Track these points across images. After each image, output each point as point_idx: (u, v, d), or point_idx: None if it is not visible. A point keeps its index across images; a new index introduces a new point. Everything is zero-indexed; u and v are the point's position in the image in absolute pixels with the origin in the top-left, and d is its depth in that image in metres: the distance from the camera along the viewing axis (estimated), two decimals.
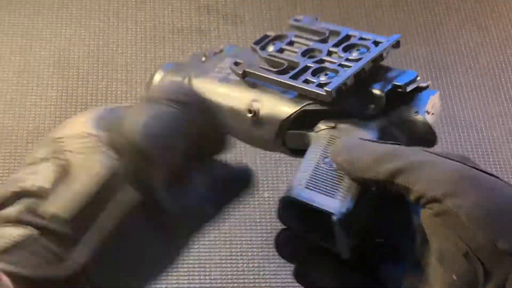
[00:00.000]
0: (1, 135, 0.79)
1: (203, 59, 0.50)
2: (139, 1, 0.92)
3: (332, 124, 0.42)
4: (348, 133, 0.41)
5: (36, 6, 0.90)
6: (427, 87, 0.42)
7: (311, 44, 0.45)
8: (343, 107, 0.41)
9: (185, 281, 0.70)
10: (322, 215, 0.37)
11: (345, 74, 0.41)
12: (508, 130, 0.85)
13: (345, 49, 0.43)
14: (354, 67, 0.41)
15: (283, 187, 0.77)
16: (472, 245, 0.31)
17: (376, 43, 0.43)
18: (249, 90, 0.45)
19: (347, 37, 0.44)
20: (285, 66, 0.43)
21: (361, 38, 0.44)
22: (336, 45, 0.44)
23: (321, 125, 0.42)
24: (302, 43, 0.45)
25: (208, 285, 0.69)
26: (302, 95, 0.42)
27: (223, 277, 0.70)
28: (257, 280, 0.70)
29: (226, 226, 0.73)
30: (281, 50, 0.45)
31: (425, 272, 0.34)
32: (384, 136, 0.41)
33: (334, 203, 0.37)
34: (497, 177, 0.34)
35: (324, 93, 0.40)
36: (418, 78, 0.42)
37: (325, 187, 0.38)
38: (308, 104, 0.42)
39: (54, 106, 0.82)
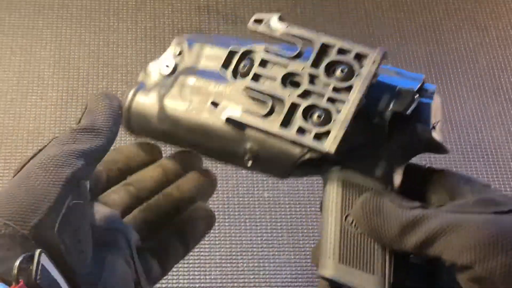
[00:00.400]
0: (2, 135, 0.79)
1: (166, 71, 0.45)
2: (139, 1, 0.92)
3: (339, 166, 0.39)
4: (358, 172, 0.38)
5: (36, 6, 0.90)
6: (430, 93, 0.39)
7: (286, 62, 0.40)
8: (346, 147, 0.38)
9: (185, 281, 0.70)
10: None
11: (343, 121, 0.37)
12: (507, 130, 0.85)
13: (327, 70, 0.38)
14: (349, 108, 0.37)
15: (283, 187, 0.77)
16: None
17: (358, 57, 0.38)
18: (239, 132, 0.41)
19: (324, 49, 0.39)
20: (270, 107, 0.39)
21: (340, 51, 0.39)
22: (314, 64, 0.39)
23: (329, 166, 0.39)
24: (276, 63, 0.40)
25: (208, 285, 0.69)
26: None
27: (223, 276, 0.70)
28: (257, 280, 0.70)
29: (226, 226, 0.73)
30: (256, 77, 0.40)
31: None
32: (393, 163, 0.39)
33: (375, 280, 0.36)
34: None
35: (327, 150, 0.36)
36: (415, 90, 0.38)
37: (360, 259, 0.37)
38: (310, 151, 0.39)
39: (54, 106, 0.82)
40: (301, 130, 0.38)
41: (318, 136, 0.37)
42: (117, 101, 0.40)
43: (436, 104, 0.39)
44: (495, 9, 0.96)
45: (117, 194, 0.43)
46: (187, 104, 0.42)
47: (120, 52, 0.87)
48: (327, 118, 0.37)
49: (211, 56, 0.44)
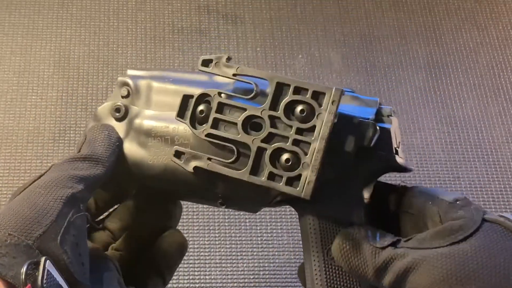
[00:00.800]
0: (2, 135, 0.79)
1: (117, 115, 0.43)
2: (139, 1, 0.92)
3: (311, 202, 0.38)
4: (331, 206, 0.39)
5: (36, 6, 0.90)
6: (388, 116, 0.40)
7: (244, 105, 0.39)
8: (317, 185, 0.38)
9: (185, 281, 0.70)
10: None
11: (313, 166, 0.37)
12: (507, 130, 0.85)
13: (286, 110, 0.38)
14: (317, 152, 0.37)
15: None
16: None
17: (316, 96, 0.38)
18: (208, 180, 0.40)
19: (280, 88, 0.39)
20: (236, 153, 0.39)
21: (296, 89, 0.38)
22: (273, 105, 0.38)
23: (301, 201, 0.39)
24: (234, 106, 0.39)
25: (208, 285, 0.69)
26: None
27: (223, 277, 0.70)
28: (257, 280, 0.70)
29: (226, 226, 0.73)
30: (215, 123, 0.39)
31: None
32: (362, 187, 0.40)
33: None
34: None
35: (302, 196, 0.37)
36: (374, 119, 0.39)
37: None
38: (280, 195, 0.40)
39: (54, 106, 0.82)
40: (271, 176, 0.38)
41: (290, 181, 0.37)
42: (115, 134, 0.42)
43: (394, 126, 0.39)
44: (495, 9, 0.96)
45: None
46: (148, 150, 0.41)
47: (120, 52, 0.87)
48: (295, 161, 0.37)
49: (163, 93, 0.43)
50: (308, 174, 0.37)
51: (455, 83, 0.88)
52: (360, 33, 0.92)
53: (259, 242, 0.72)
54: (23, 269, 0.30)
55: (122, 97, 0.44)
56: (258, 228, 0.74)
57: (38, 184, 0.36)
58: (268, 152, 0.38)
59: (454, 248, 0.34)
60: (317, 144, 0.37)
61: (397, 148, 0.39)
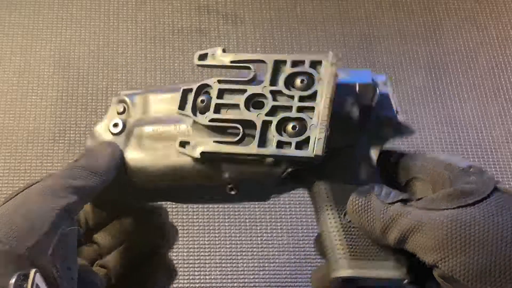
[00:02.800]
0: (2, 135, 0.79)
1: (116, 130, 0.43)
2: (139, 1, 0.92)
3: (322, 179, 0.39)
4: (342, 176, 0.39)
5: (36, 6, 0.90)
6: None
7: (244, 87, 0.39)
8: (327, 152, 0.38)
9: (185, 281, 0.70)
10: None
11: (321, 123, 0.37)
12: (507, 130, 0.85)
13: (287, 84, 0.38)
14: (323, 110, 0.37)
15: None
16: None
17: (313, 65, 0.38)
18: (216, 165, 0.40)
19: (277, 66, 0.39)
20: (241, 133, 0.38)
21: (294, 64, 0.39)
22: (273, 81, 0.39)
23: (311, 178, 0.40)
24: (234, 90, 0.39)
25: (208, 285, 0.69)
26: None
27: (223, 276, 0.70)
28: (257, 280, 0.70)
29: (226, 226, 0.73)
30: (217, 109, 0.39)
31: None
32: (367, 152, 0.40)
33: (391, 265, 0.37)
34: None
35: (313, 155, 0.36)
36: (372, 79, 0.40)
37: (369, 250, 0.38)
38: (291, 165, 0.39)
39: (54, 106, 0.82)
40: (280, 144, 0.38)
41: (299, 145, 0.37)
42: (119, 152, 0.41)
43: (391, 92, 0.41)
44: (495, 9, 0.96)
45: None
46: (151, 153, 0.41)
47: (120, 52, 0.87)
48: (301, 126, 0.37)
49: (159, 102, 0.43)
50: (317, 133, 0.36)
51: (455, 83, 0.88)
52: (360, 33, 0.92)
53: (259, 242, 0.72)
54: (12, 281, 0.29)
55: (119, 113, 0.44)
56: (258, 228, 0.74)
57: (33, 191, 0.35)
58: (274, 123, 0.38)
59: (461, 211, 0.33)
60: (322, 105, 0.37)
61: (397, 110, 0.40)
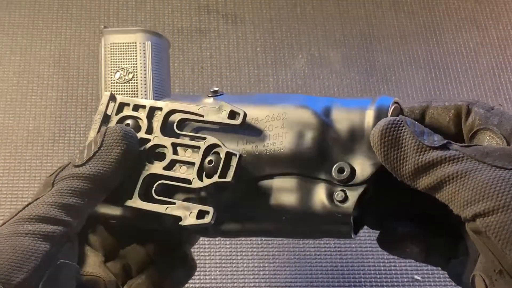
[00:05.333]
0: (1, 135, 0.79)
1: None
2: (139, 1, 0.92)
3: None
4: None
5: (36, 6, 0.90)
6: None
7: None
8: None
9: None
10: None
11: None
12: None
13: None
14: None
15: None
16: (505, 264, 0.30)
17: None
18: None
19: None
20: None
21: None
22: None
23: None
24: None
25: (208, 285, 0.69)
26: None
27: (223, 277, 0.70)
28: (257, 280, 0.70)
29: None
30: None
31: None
32: None
33: None
34: None
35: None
36: None
37: None
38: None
39: (54, 106, 0.82)
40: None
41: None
42: (135, 143, 0.39)
43: None
44: (495, 9, 0.96)
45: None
46: None
47: None
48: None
49: None
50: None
51: (455, 83, 0.88)
52: (360, 33, 0.92)
53: (259, 242, 0.72)
54: None
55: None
56: None
57: (26, 216, 0.32)
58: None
59: None
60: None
61: None
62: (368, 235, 0.73)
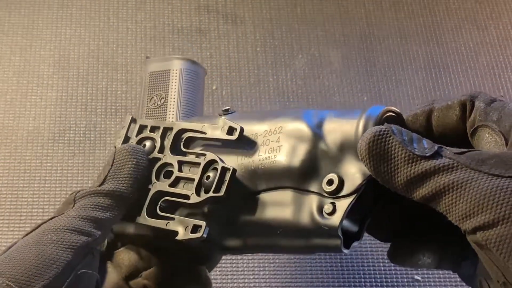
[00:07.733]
0: (1, 135, 0.79)
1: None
2: (139, 1, 0.92)
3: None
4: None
5: (36, 6, 0.90)
6: None
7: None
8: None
9: None
10: None
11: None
12: None
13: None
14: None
15: None
16: (508, 277, 0.29)
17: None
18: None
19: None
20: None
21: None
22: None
23: None
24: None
25: None
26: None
27: (223, 277, 0.70)
28: (257, 280, 0.70)
29: None
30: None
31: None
32: None
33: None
34: None
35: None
36: None
37: None
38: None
39: (54, 106, 0.82)
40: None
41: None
42: (143, 158, 0.41)
43: None
44: (495, 9, 0.96)
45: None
46: None
47: (120, 52, 0.87)
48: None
49: None
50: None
51: (455, 83, 0.88)
52: (360, 33, 0.92)
53: None
54: None
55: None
56: None
57: (51, 227, 0.34)
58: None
59: None
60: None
61: None
62: (368, 235, 0.73)
